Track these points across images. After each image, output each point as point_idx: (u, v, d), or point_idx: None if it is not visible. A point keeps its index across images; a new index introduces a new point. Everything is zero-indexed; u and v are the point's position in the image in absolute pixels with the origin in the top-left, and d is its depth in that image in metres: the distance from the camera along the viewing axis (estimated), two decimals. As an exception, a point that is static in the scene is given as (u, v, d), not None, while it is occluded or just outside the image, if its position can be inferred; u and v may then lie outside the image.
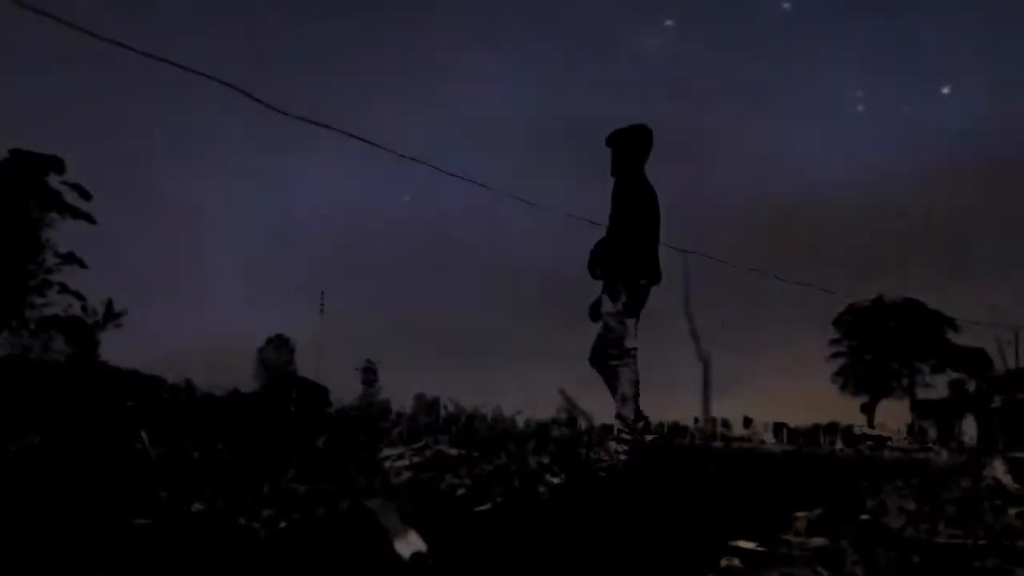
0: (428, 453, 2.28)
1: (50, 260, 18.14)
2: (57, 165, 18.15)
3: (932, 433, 35.69)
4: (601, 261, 4.36)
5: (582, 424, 4.35)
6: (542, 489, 2.01)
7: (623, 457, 3.77)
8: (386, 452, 2.20)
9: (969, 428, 36.96)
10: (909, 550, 1.32)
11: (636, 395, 4.14)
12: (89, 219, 18.95)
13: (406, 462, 2.10)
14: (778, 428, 39.52)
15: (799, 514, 1.79)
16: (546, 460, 2.35)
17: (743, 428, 40.36)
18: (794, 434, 38.29)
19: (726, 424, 39.89)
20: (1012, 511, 1.81)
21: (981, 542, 1.42)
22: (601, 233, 4.46)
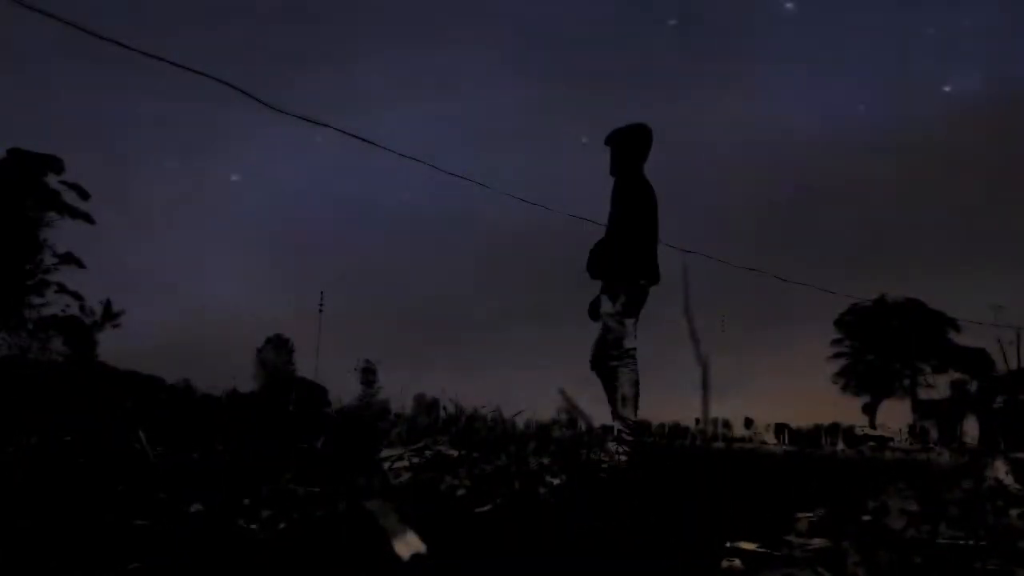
0: (428, 454, 2.28)
1: (48, 260, 18.14)
2: (55, 165, 18.14)
3: (934, 434, 35.70)
4: (600, 261, 4.35)
5: (582, 425, 4.34)
6: (542, 490, 2.01)
7: (623, 458, 3.77)
8: (385, 453, 2.19)
9: (971, 428, 36.97)
10: (911, 551, 1.31)
11: (636, 396, 4.13)
12: (88, 219, 18.96)
13: (406, 463, 2.10)
14: (779, 429, 39.50)
15: (800, 515, 1.78)
16: (546, 461, 2.35)
17: (744, 429, 40.35)
18: (795, 435, 38.28)
19: (727, 425, 39.89)
20: (1014, 512, 1.81)
21: (983, 543, 1.42)
22: (601, 233, 4.46)
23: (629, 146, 4.44)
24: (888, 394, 43.04)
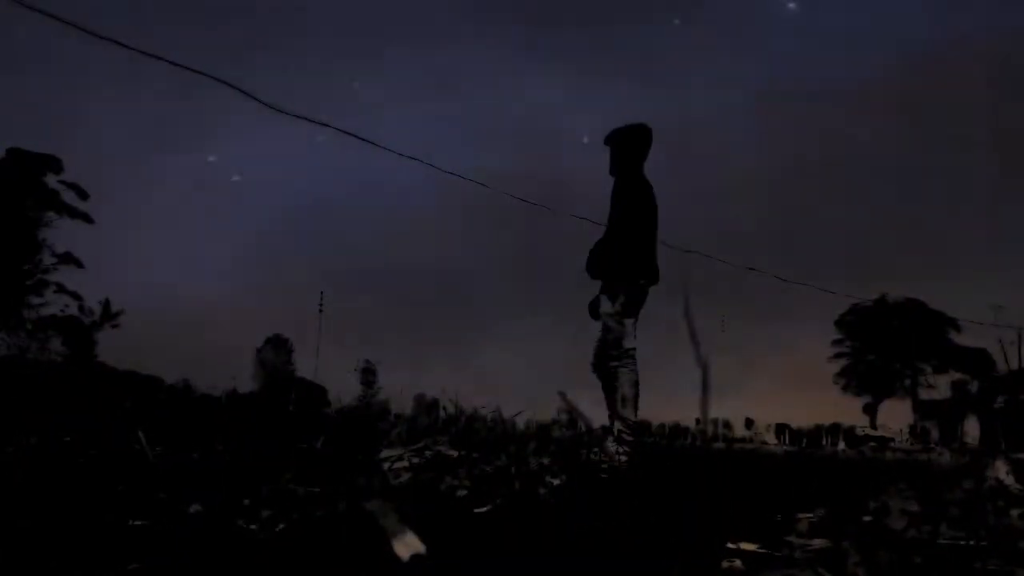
0: (428, 454, 2.27)
1: (47, 260, 18.13)
2: (54, 164, 18.14)
3: (934, 434, 35.69)
4: (600, 261, 4.35)
5: (582, 426, 4.34)
6: (542, 490, 2.01)
7: (623, 458, 3.76)
8: (385, 453, 2.19)
9: (971, 429, 36.96)
10: (911, 551, 1.31)
11: (636, 396, 4.13)
12: (87, 219, 18.95)
13: (405, 463, 2.09)
14: (780, 429, 39.52)
15: (801, 515, 1.78)
16: (546, 461, 2.35)
17: (745, 429, 40.36)
18: (796, 435, 38.28)
19: (728, 425, 39.91)
20: (1015, 512, 1.80)
21: (984, 543, 1.42)
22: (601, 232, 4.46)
23: (629, 146, 4.44)
24: (889, 394, 43.03)
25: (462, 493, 1.81)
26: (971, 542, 1.42)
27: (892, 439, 31.28)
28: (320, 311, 37.73)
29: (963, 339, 39.35)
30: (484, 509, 1.68)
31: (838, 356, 44.64)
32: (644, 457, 3.87)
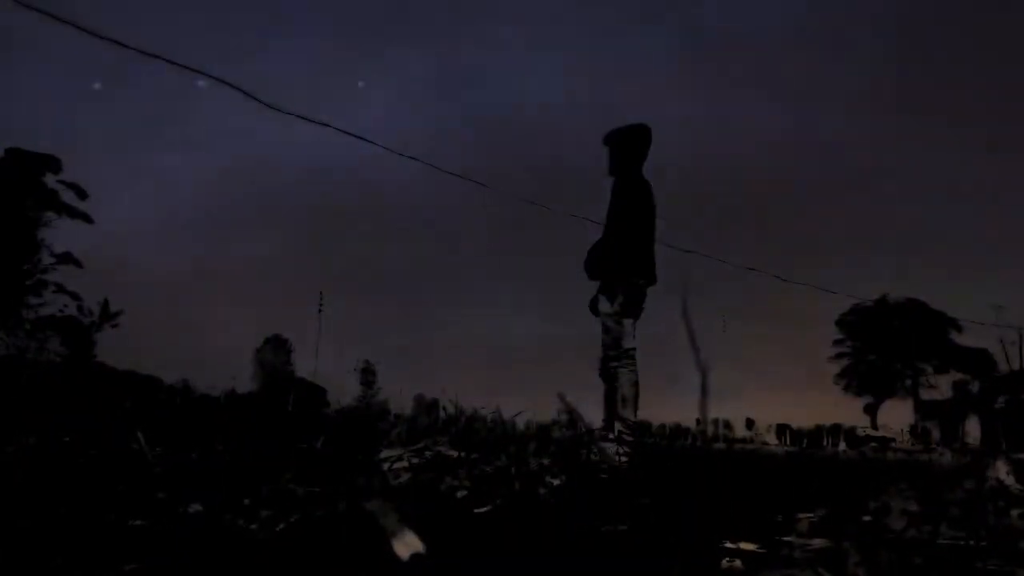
0: (428, 454, 2.27)
1: (46, 260, 18.15)
2: (53, 164, 18.13)
3: (935, 434, 35.68)
4: (598, 261, 4.35)
5: (581, 427, 4.34)
6: (542, 490, 2.00)
7: (623, 458, 3.76)
8: (385, 453, 2.19)
9: (972, 429, 36.94)
10: (911, 551, 1.31)
11: (636, 396, 4.13)
12: (86, 218, 18.96)
13: (405, 463, 2.09)
14: (780, 429, 39.51)
15: (801, 515, 1.78)
16: (546, 461, 2.34)
17: (745, 429, 40.35)
18: (797, 435, 38.27)
19: (728, 425, 39.90)
20: (1015, 512, 1.80)
21: (984, 543, 1.41)
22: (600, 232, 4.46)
23: (628, 146, 4.44)
24: (890, 394, 43.00)
25: (462, 493, 1.80)
26: (971, 542, 1.42)
27: (893, 439, 31.28)
28: (320, 311, 37.72)
29: (964, 339, 39.36)
30: (484, 509, 1.68)
31: (839, 356, 44.64)
32: (644, 457, 3.87)
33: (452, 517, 1.55)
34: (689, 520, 1.64)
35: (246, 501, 1.46)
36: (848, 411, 43.46)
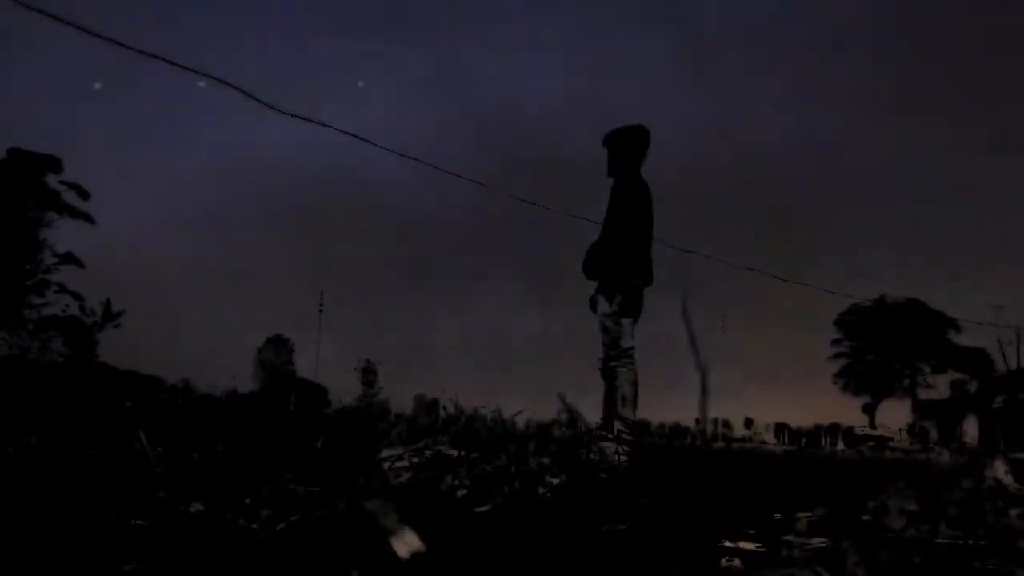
0: (428, 454, 2.27)
1: (48, 260, 18.15)
2: (54, 164, 18.14)
3: (933, 434, 35.70)
4: (597, 262, 4.36)
5: (581, 427, 4.35)
6: (542, 490, 2.01)
7: (623, 458, 3.76)
8: (385, 453, 2.19)
9: (970, 428, 36.98)
10: (910, 551, 1.31)
11: (635, 395, 4.14)
12: (88, 219, 18.96)
13: (406, 463, 2.10)
14: (779, 429, 39.53)
15: (800, 515, 1.79)
16: (546, 461, 2.35)
17: (744, 429, 40.37)
18: (795, 435, 38.30)
19: (727, 425, 39.93)
20: (1013, 511, 1.81)
21: (982, 543, 1.42)
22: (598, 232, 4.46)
23: (627, 147, 4.44)
24: (888, 394, 43.02)
25: (462, 492, 1.81)
26: (970, 541, 1.43)
27: (891, 439, 31.29)
28: (320, 311, 37.70)
29: (962, 339, 39.40)
30: (484, 508, 1.68)
31: (837, 356, 44.68)
32: (644, 456, 3.87)
33: (452, 516, 1.55)
34: (689, 519, 1.65)
35: (247, 501, 1.46)
36: (846, 411, 43.52)
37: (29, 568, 1.11)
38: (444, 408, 4.06)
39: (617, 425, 4.08)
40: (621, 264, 4.22)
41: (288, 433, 2.57)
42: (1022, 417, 32.35)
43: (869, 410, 43.04)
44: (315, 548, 1.25)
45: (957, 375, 40.73)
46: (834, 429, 39.24)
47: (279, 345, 39.86)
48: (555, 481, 2.11)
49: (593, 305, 4.42)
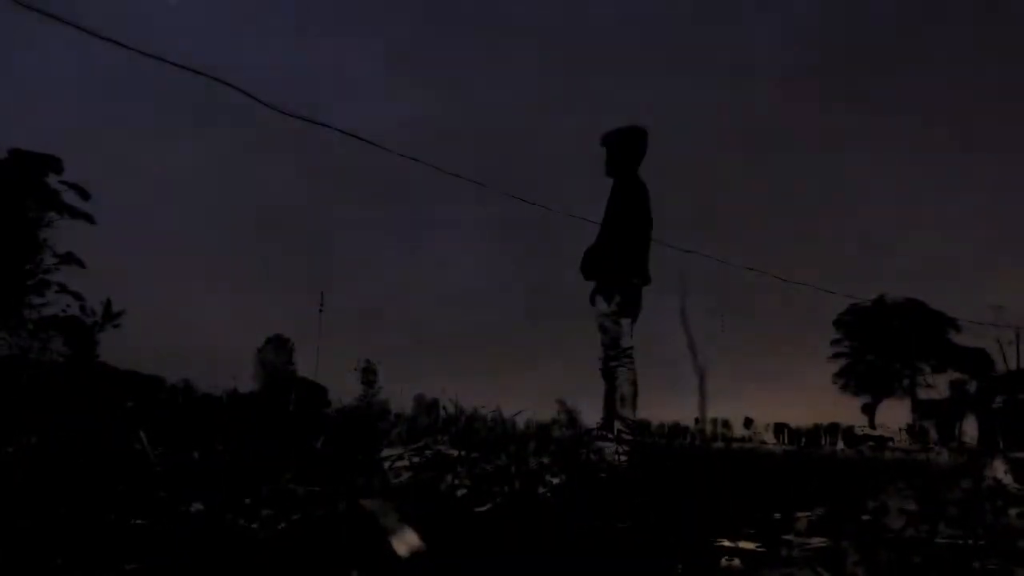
0: (428, 454, 2.28)
1: (48, 260, 18.16)
2: (55, 165, 18.17)
3: (933, 434, 35.71)
4: (595, 262, 4.36)
5: (581, 427, 4.36)
6: (542, 489, 2.01)
7: (623, 458, 3.77)
8: (385, 453, 2.20)
9: (970, 428, 36.99)
10: (910, 550, 1.32)
11: (635, 395, 4.14)
12: (88, 219, 18.98)
13: (406, 463, 2.10)
14: (779, 429, 39.55)
15: (800, 514, 1.79)
16: (546, 461, 2.35)
17: (744, 429, 40.39)
18: (795, 435, 38.31)
19: (727, 425, 39.94)
20: (1013, 511, 1.81)
21: (982, 543, 1.42)
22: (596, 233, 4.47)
23: (625, 148, 4.45)
24: (888, 394, 43.02)
25: (462, 492, 1.81)
26: (969, 541, 1.43)
27: (890, 439, 31.31)
28: (320, 311, 37.67)
29: (962, 339, 39.39)
30: (484, 508, 1.68)
31: (837, 356, 44.67)
32: (643, 456, 3.88)
33: (452, 516, 1.55)
34: (689, 519, 1.65)
35: (247, 500, 1.46)
36: (846, 411, 43.52)
37: (29, 568, 1.11)
38: (444, 408, 4.06)
39: (617, 425, 4.08)
40: (620, 264, 4.22)
41: (288, 433, 2.57)
42: (1022, 417, 32.37)
43: (869, 410, 43.05)
44: (315, 548, 1.25)
45: (957, 375, 40.75)
46: (834, 429, 39.25)
47: (279, 345, 39.84)
48: (555, 481, 2.11)
49: (593, 302, 4.42)
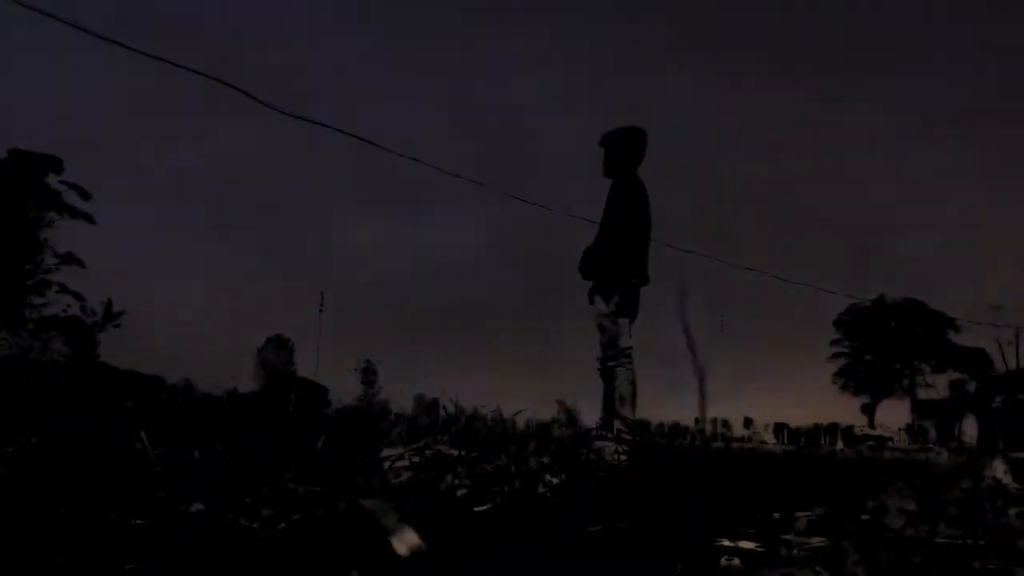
0: (428, 453, 2.28)
1: (49, 260, 18.17)
2: (55, 165, 18.18)
3: (932, 433, 35.72)
4: (594, 262, 4.36)
5: (582, 426, 4.36)
6: (542, 489, 2.01)
7: (622, 457, 3.77)
8: (385, 453, 2.20)
9: (969, 428, 37.00)
10: (910, 550, 1.32)
11: (634, 395, 4.14)
12: (88, 219, 19.00)
13: (406, 462, 2.10)
14: (778, 429, 39.57)
15: (799, 514, 1.79)
16: (546, 460, 2.35)
17: (743, 428, 40.40)
18: (795, 435, 38.34)
19: (726, 425, 39.95)
20: (1012, 511, 1.81)
21: (981, 542, 1.42)
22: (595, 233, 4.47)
23: (624, 148, 4.45)
24: (887, 394, 43.03)
25: (462, 492, 1.81)
26: (969, 541, 1.43)
27: (890, 439, 31.33)
28: (320, 311, 37.64)
29: (961, 339, 39.40)
30: (484, 508, 1.68)
31: (836, 356, 44.67)
32: (643, 456, 3.88)
33: (452, 516, 1.55)
34: (688, 519, 1.65)
35: (247, 500, 1.46)
36: (846, 410, 43.53)
37: (29, 568, 1.11)
38: (444, 408, 4.06)
39: (616, 425, 4.08)
40: (619, 264, 4.22)
41: (288, 433, 2.57)
42: (1021, 417, 32.38)
43: (868, 410, 43.04)
44: (315, 548, 1.25)
45: (956, 375, 40.75)
46: (833, 429, 39.26)
47: (279, 345, 39.86)
48: (555, 481, 2.11)
49: (592, 299, 4.42)
